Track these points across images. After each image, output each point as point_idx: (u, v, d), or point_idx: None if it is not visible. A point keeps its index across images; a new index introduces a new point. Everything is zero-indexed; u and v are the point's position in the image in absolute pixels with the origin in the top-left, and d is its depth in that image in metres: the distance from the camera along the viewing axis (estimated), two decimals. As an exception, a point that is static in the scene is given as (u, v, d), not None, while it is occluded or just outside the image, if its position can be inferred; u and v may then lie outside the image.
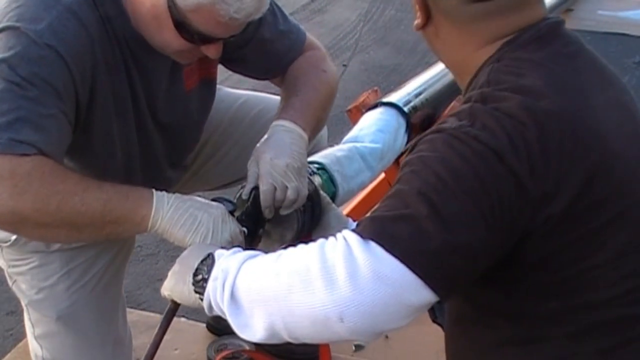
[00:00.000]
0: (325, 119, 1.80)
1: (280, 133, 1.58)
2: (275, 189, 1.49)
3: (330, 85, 1.78)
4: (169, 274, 1.36)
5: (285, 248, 1.21)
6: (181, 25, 1.46)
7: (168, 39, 1.50)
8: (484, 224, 1.09)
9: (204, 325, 2.45)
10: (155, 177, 1.75)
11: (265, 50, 1.76)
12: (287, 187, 1.49)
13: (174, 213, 1.44)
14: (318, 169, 1.66)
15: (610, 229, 1.16)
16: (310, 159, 1.69)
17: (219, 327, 2.36)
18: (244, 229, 1.49)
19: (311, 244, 1.16)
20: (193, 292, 1.28)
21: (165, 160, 1.79)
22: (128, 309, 2.03)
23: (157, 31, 1.51)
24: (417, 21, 1.28)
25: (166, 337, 1.47)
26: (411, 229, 1.08)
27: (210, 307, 1.24)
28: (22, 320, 1.96)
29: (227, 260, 1.24)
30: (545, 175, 1.11)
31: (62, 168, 1.45)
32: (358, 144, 1.82)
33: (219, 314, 1.23)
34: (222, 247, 1.38)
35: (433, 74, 2.26)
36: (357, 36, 4.52)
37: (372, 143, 1.84)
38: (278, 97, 1.79)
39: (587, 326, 1.19)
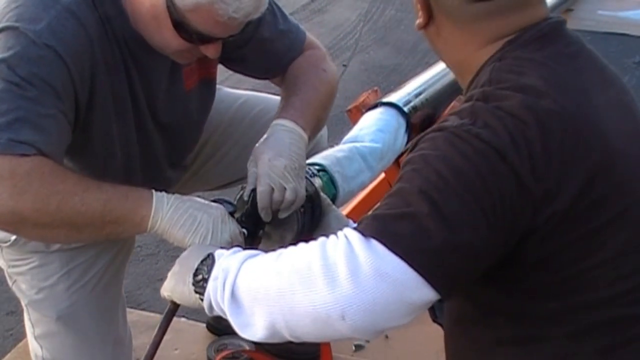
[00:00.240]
0: (326, 118, 1.80)
1: (280, 133, 1.58)
2: (272, 190, 1.49)
3: (331, 84, 1.77)
4: (169, 274, 1.36)
5: (285, 248, 1.21)
6: (180, 25, 1.46)
7: (167, 38, 1.50)
8: (485, 222, 1.09)
9: (204, 325, 2.45)
10: (155, 177, 1.75)
11: (265, 50, 1.76)
12: (285, 188, 1.49)
13: (173, 213, 1.44)
14: (319, 170, 1.65)
15: (611, 229, 1.16)
16: (311, 160, 1.69)
17: (219, 327, 2.36)
18: (244, 230, 1.48)
19: (312, 243, 1.16)
20: (193, 293, 1.28)
21: (165, 160, 1.79)
22: (128, 309, 2.03)
23: (156, 31, 1.51)
24: (419, 21, 1.28)
25: (166, 337, 1.47)
26: (412, 227, 1.09)
27: (211, 307, 1.24)
28: (22, 320, 1.96)
29: (228, 260, 1.24)
30: (547, 174, 1.11)
31: (61, 168, 1.45)
32: (358, 144, 1.82)
33: (220, 313, 1.23)
34: (222, 248, 1.38)
35: (433, 74, 2.26)
36: (357, 36, 4.52)
37: (372, 142, 1.84)
38: (278, 97, 1.79)
39: (587, 326, 1.19)
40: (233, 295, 1.19)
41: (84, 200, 1.41)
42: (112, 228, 1.44)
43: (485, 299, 1.24)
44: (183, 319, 2.44)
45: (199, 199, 1.49)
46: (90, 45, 1.49)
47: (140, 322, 2.39)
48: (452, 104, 2.17)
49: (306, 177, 1.57)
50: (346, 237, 1.12)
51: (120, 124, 1.62)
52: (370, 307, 1.08)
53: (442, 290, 1.10)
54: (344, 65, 4.11)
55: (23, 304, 1.85)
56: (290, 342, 1.20)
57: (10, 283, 1.85)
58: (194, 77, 1.74)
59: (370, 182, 1.97)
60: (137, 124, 1.66)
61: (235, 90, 2.09)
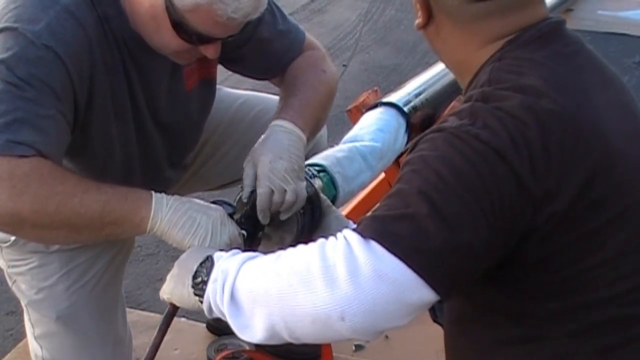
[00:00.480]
0: (325, 119, 1.80)
1: (279, 134, 1.58)
2: (272, 192, 1.49)
3: (330, 85, 1.77)
4: (168, 277, 1.36)
5: (285, 249, 1.21)
6: (179, 25, 1.46)
7: (166, 39, 1.50)
8: (485, 223, 1.09)
9: (204, 325, 2.45)
10: (154, 177, 1.75)
11: (264, 50, 1.75)
12: (285, 190, 1.49)
13: (172, 215, 1.44)
14: (319, 171, 1.65)
15: (611, 229, 1.16)
16: (311, 160, 1.69)
17: (219, 327, 2.36)
18: (243, 231, 1.48)
19: (311, 244, 1.16)
20: (193, 295, 1.28)
21: (164, 161, 1.79)
22: (128, 309, 2.03)
23: (156, 31, 1.50)
24: (418, 20, 1.27)
25: (166, 337, 1.47)
26: (412, 228, 1.09)
27: (210, 309, 1.24)
28: (22, 321, 1.96)
29: (227, 262, 1.24)
30: (547, 175, 1.11)
31: (61, 169, 1.45)
32: (358, 144, 1.82)
33: (219, 315, 1.23)
34: (221, 250, 1.38)
35: (433, 74, 2.26)
36: (357, 36, 4.52)
37: (372, 142, 1.84)
38: (278, 97, 1.79)
39: (587, 326, 1.19)
40: (232, 297, 1.19)
41: (83, 202, 1.41)
42: (111, 229, 1.44)
43: (485, 299, 1.24)
44: (183, 319, 2.44)
45: (198, 201, 1.49)
46: (89, 45, 1.49)
47: (140, 322, 2.39)
48: (452, 104, 2.17)
49: (306, 178, 1.57)
50: (345, 238, 1.12)
51: (120, 124, 1.62)
52: (369, 308, 1.08)
53: (442, 291, 1.10)
54: (344, 65, 4.11)
55: (23, 304, 1.85)
56: (290, 343, 1.20)
57: (10, 283, 1.84)
58: (194, 77, 1.74)
59: (370, 181, 1.97)
60: (137, 124, 1.65)
61: (235, 90, 2.09)
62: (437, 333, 1.46)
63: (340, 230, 1.16)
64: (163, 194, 1.47)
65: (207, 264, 1.27)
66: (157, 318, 1.46)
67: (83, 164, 1.63)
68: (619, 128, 1.20)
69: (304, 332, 1.15)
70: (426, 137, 1.17)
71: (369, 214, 1.16)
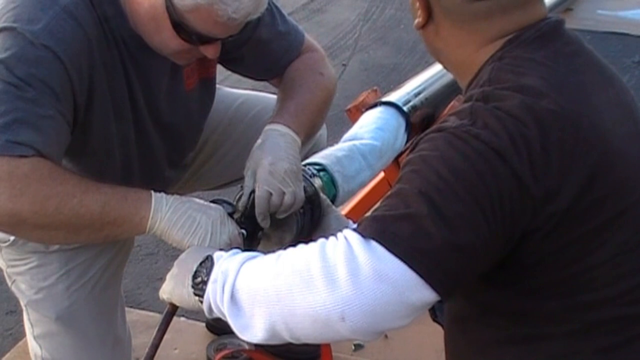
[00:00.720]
0: (321, 122, 1.81)
1: (275, 137, 1.58)
2: (270, 195, 1.49)
3: (327, 88, 1.77)
4: (167, 277, 1.35)
5: (284, 249, 1.21)
6: (179, 25, 1.46)
7: (166, 39, 1.50)
8: (485, 223, 1.09)
9: (204, 324, 2.45)
10: (154, 177, 1.75)
11: (263, 51, 1.75)
12: (284, 192, 1.49)
13: (172, 215, 1.44)
14: (318, 170, 1.65)
15: (611, 228, 1.16)
16: (310, 159, 1.69)
17: (218, 327, 2.37)
18: (243, 231, 1.48)
19: (311, 244, 1.16)
20: (192, 295, 1.28)
21: (164, 160, 1.79)
22: (127, 309, 2.03)
23: (156, 32, 1.50)
24: (418, 20, 1.27)
25: (166, 336, 1.47)
26: (412, 228, 1.09)
27: (210, 309, 1.24)
28: (21, 320, 1.95)
29: (227, 262, 1.24)
30: (547, 174, 1.11)
31: (60, 169, 1.45)
32: (357, 142, 1.81)
33: (219, 316, 1.23)
34: (221, 249, 1.38)
35: (432, 74, 2.26)
36: (357, 36, 4.52)
37: (372, 140, 1.84)
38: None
39: (587, 325, 1.19)
40: (232, 297, 1.19)
41: (83, 202, 1.41)
42: (111, 229, 1.44)
43: (485, 299, 1.24)
44: (182, 319, 2.44)
45: (198, 200, 1.49)
46: (88, 45, 1.49)
47: (140, 321, 2.39)
48: (452, 103, 2.16)
49: (306, 178, 1.57)
50: (346, 238, 1.12)
51: (119, 124, 1.62)
52: (370, 309, 1.08)
53: (442, 292, 1.10)
54: (344, 65, 4.11)
55: (22, 303, 1.85)
56: (291, 343, 1.20)
57: (9, 283, 1.84)
58: (194, 77, 1.74)
59: (370, 180, 1.97)
60: (136, 125, 1.65)
61: (234, 90, 2.09)
62: (436, 333, 1.46)
63: (340, 230, 1.16)
64: (162, 194, 1.47)
65: (207, 264, 1.27)
66: (157, 317, 1.46)
67: (82, 164, 1.63)
68: (619, 128, 1.20)
69: (304, 333, 1.15)
70: (426, 137, 1.17)
71: (369, 214, 1.16)
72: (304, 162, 1.64)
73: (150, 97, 1.65)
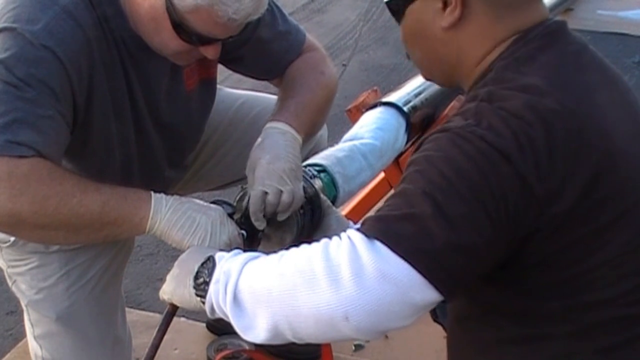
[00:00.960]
0: (322, 122, 1.80)
1: (275, 136, 1.58)
2: (265, 194, 1.48)
3: (329, 87, 1.77)
4: (168, 277, 1.35)
5: (286, 249, 1.21)
6: (179, 26, 1.46)
7: (166, 40, 1.50)
8: (489, 223, 1.09)
9: (204, 324, 2.45)
10: (154, 178, 1.75)
11: (263, 51, 1.75)
12: (281, 191, 1.48)
13: (172, 215, 1.44)
14: (319, 171, 1.64)
15: (613, 228, 1.16)
16: (311, 160, 1.69)
17: (218, 327, 2.37)
18: (243, 231, 1.48)
19: (314, 244, 1.16)
20: (194, 296, 1.27)
21: (164, 161, 1.79)
22: (127, 309, 2.03)
23: (156, 32, 1.50)
24: (451, 17, 1.22)
25: (166, 336, 1.47)
26: (416, 229, 1.09)
27: (213, 310, 1.24)
28: (21, 320, 1.96)
29: (229, 263, 1.24)
30: (551, 175, 1.11)
31: (60, 170, 1.45)
32: (357, 142, 1.81)
33: (222, 316, 1.23)
34: (221, 250, 1.38)
35: (433, 74, 2.26)
36: (357, 36, 4.51)
37: (371, 139, 1.83)
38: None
39: (588, 325, 1.19)
40: (235, 298, 1.19)
41: (82, 202, 1.41)
42: (111, 229, 1.44)
43: (487, 298, 1.24)
44: (183, 319, 2.45)
45: (197, 201, 1.49)
46: (88, 46, 1.49)
47: (140, 322, 2.39)
48: (452, 103, 2.17)
49: (306, 179, 1.57)
50: (349, 238, 1.12)
51: (119, 124, 1.61)
52: (373, 308, 1.09)
53: (445, 292, 1.10)
54: (344, 65, 4.10)
55: (23, 304, 1.85)
56: (292, 342, 1.20)
57: (10, 283, 1.84)
58: (194, 78, 1.73)
59: (371, 180, 1.97)
60: (136, 125, 1.65)
61: (235, 90, 2.09)
62: (437, 333, 1.46)
63: (340, 231, 1.16)
64: (162, 194, 1.46)
65: (209, 264, 1.27)
66: (157, 318, 1.46)
67: (82, 165, 1.63)
68: (623, 128, 1.20)
69: (308, 332, 1.15)
70: (431, 137, 1.16)
71: (373, 214, 1.16)
72: (304, 163, 1.64)
73: (150, 98, 1.65)
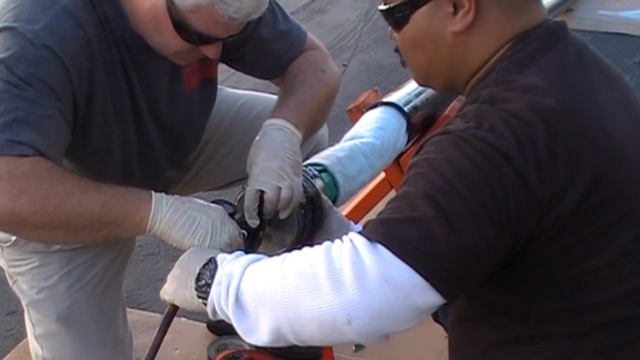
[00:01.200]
0: (323, 119, 1.80)
1: (272, 132, 1.57)
2: (258, 193, 1.47)
3: (329, 85, 1.76)
4: (169, 278, 1.35)
5: (288, 251, 1.21)
6: (180, 25, 1.46)
7: (167, 39, 1.50)
8: (491, 226, 1.09)
9: (205, 325, 2.45)
10: (154, 177, 1.75)
11: (264, 50, 1.75)
12: (279, 188, 1.48)
13: (172, 215, 1.44)
14: (320, 171, 1.64)
15: (616, 229, 1.16)
16: (311, 160, 1.68)
17: (219, 327, 2.37)
18: (244, 231, 1.48)
19: (317, 247, 1.16)
20: (196, 297, 1.27)
21: (165, 161, 1.79)
22: (128, 309, 2.03)
23: (156, 32, 1.50)
24: (470, 14, 1.20)
25: (167, 337, 1.47)
26: (418, 232, 1.09)
27: (214, 312, 1.24)
28: (22, 320, 1.96)
29: (231, 265, 1.24)
30: (553, 176, 1.10)
31: (60, 169, 1.45)
32: (357, 141, 1.81)
33: (224, 318, 1.23)
34: (222, 250, 1.38)
35: (434, 74, 2.26)
36: (358, 36, 4.50)
37: (372, 138, 1.83)
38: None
39: (590, 326, 1.19)
40: (237, 300, 1.19)
41: (83, 202, 1.41)
42: (111, 229, 1.44)
43: (489, 299, 1.24)
44: (183, 319, 2.45)
45: (198, 200, 1.49)
46: (88, 45, 1.49)
47: (141, 322, 2.39)
48: (453, 103, 2.17)
49: (307, 179, 1.56)
50: (352, 241, 1.12)
51: (120, 124, 1.61)
52: (376, 312, 1.09)
53: (448, 295, 1.10)
54: (344, 65, 4.10)
55: (23, 304, 1.85)
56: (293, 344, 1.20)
57: (10, 283, 1.85)
58: (194, 78, 1.73)
59: (371, 180, 1.97)
60: (137, 125, 1.65)
61: (236, 90, 2.08)
62: (437, 333, 1.46)
63: (341, 231, 1.16)
64: (163, 194, 1.46)
65: (211, 266, 1.26)
66: (158, 318, 1.46)
67: (83, 164, 1.63)
68: (624, 128, 1.20)
69: (310, 335, 1.15)
70: (432, 139, 1.16)
71: (375, 217, 1.15)
72: (305, 163, 1.63)
73: (150, 97, 1.65)
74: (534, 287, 1.19)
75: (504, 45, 1.22)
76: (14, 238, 1.73)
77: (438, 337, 1.43)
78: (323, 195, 1.56)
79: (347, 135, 1.87)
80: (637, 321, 1.21)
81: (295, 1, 5.56)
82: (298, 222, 1.51)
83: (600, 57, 1.27)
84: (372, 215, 1.86)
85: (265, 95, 2.06)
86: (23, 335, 2.17)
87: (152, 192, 1.46)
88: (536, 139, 1.10)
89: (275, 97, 1.82)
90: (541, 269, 1.17)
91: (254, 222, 1.49)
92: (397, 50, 1.37)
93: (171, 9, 1.44)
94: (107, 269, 1.84)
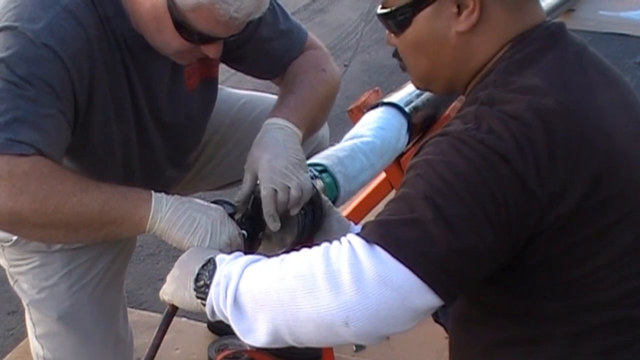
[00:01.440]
0: (323, 119, 1.80)
1: (273, 131, 1.57)
2: (276, 192, 1.48)
3: (330, 84, 1.76)
4: (168, 278, 1.35)
5: (287, 252, 1.21)
6: (181, 25, 1.46)
7: (168, 39, 1.50)
8: (490, 227, 1.09)
9: (205, 325, 2.45)
10: (155, 177, 1.75)
11: (265, 50, 1.75)
12: (289, 187, 1.48)
13: (172, 214, 1.44)
14: (320, 171, 1.64)
15: (616, 230, 1.16)
16: (312, 160, 1.68)
17: (220, 327, 2.37)
18: (244, 231, 1.48)
19: (315, 248, 1.16)
20: (195, 298, 1.27)
21: (165, 160, 1.79)
22: (129, 309, 2.03)
23: (157, 31, 1.50)
24: (474, 14, 1.20)
25: (167, 337, 1.47)
26: (416, 233, 1.08)
27: (213, 312, 1.24)
28: (23, 320, 1.96)
29: (229, 265, 1.24)
30: (552, 177, 1.10)
31: (60, 168, 1.45)
32: (357, 141, 1.81)
33: (222, 319, 1.23)
34: (221, 250, 1.38)
35: (434, 74, 2.25)
36: (359, 36, 4.50)
37: (372, 137, 1.83)
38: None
39: (590, 327, 1.19)
40: (235, 301, 1.19)
41: (83, 201, 1.41)
42: (111, 228, 1.44)
43: (489, 300, 1.24)
44: (184, 319, 2.45)
45: (198, 200, 1.49)
46: (89, 45, 1.49)
47: (141, 322, 2.39)
48: (454, 104, 2.17)
49: (308, 179, 1.56)
50: (350, 243, 1.12)
51: (120, 124, 1.62)
52: (374, 314, 1.09)
53: (446, 296, 1.10)
54: (345, 65, 4.10)
55: (24, 303, 1.85)
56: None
57: (11, 283, 1.85)
58: (195, 77, 1.73)
59: (372, 179, 1.97)
60: (137, 124, 1.65)
61: (237, 90, 2.08)
62: (438, 333, 1.46)
63: (341, 232, 1.16)
64: (163, 194, 1.46)
65: (210, 266, 1.26)
66: (158, 318, 1.46)
67: (83, 164, 1.63)
68: (624, 128, 1.20)
69: (308, 337, 1.15)
70: (431, 141, 1.16)
71: (373, 218, 1.15)
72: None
73: (151, 97, 1.65)
74: (534, 288, 1.19)
75: (505, 45, 1.22)
76: (15, 238, 1.73)
77: (438, 338, 1.43)
78: (323, 196, 1.56)
79: (348, 135, 1.87)
80: (637, 321, 1.21)
81: (296, 1, 5.56)
82: (298, 223, 1.51)
83: (599, 57, 1.27)
84: (372, 216, 1.86)
85: (266, 96, 2.06)
86: (24, 335, 2.17)
87: (152, 192, 1.46)
88: (535, 140, 1.10)
89: (276, 97, 1.82)
90: (541, 270, 1.17)
91: (276, 225, 1.48)
92: (395, 54, 1.36)
93: (172, 8, 1.45)
94: (108, 269, 1.84)
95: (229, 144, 1.99)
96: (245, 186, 1.52)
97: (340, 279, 1.09)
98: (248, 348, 2.03)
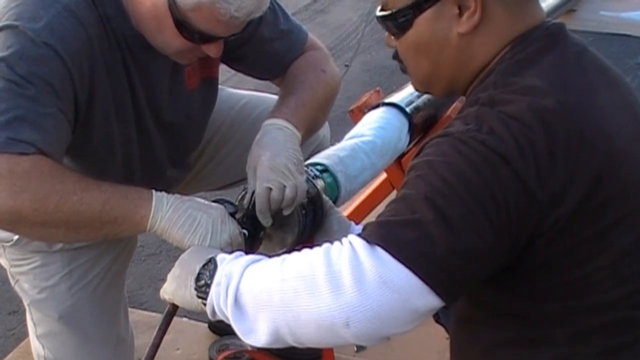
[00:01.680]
0: (322, 119, 1.80)
1: (273, 132, 1.58)
2: (269, 191, 1.48)
3: (330, 85, 1.77)
4: (169, 277, 1.35)
5: (287, 252, 1.21)
6: (182, 24, 1.46)
7: (169, 38, 1.50)
8: (491, 228, 1.09)
9: (206, 325, 2.45)
10: (155, 177, 1.75)
11: (265, 50, 1.75)
12: (284, 186, 1.48)
13: (173, 214, 1.44)
14: (321, 171, 1.64)
15: (616, 231, 1.16)
16: (313, 160, 1.69)
17: (221, 327, 2.36)
18: (244, 231, 1.48)
19: (316, 249, 1.16)
20: (195, 297, 1.27)
21: (166, 160, 1.79)
22: (130, 309, 2.03)
23: (158, 31, 1.50)
24: (476, 16, 1.20)
25: (168, 337, 1.47)
26: (417, 234, 1.08)
27: (214, 312, 1.24)
28: (24, 320, 1.96)
29: (230, 265, 1.24)
30: (552, 177, 1.10)
31: (61, 167, 1.45)
32: (358, 140, 1.81)
33: (223, 319, 1.23)
34: (222, 249, 1.38)
35: (435, 74, 2.25)
36: (359, 36, 4.51)
37: (372, 137, 1.83)
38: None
39: (590, 328, 1.19)
40: (236, 301, 1.19)
41: (83, 200, 1.41)
42: (111, 228, 1.44)
43: (489, 300, 1.24)
44: (184, 319, 2.45)
45: (199, 200, 1.49)
46: (89, 44, 1.49)
47: (142, 322, 2.39)
48: (455, 104, 2.17)
49: (308, 179, 1.56)
50: (351, 243, 1.12)
51: (121, 123, 1.62)
52: (374, 314, 1.09)
53: (446, 297, 1.10)
54: (346, 66, 4.10)
55: (25, 303, 1.85)
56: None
57: (12, 283, 1.85)
58: (195, 77, 1.74)
59: (372, 179, 1.97)
60: (138, 124, 1.66)
61: (237, 90, 2.09)
62: (438, 334, 1.46)
63: (342, 232, 1.16)
64: (163, 193, 1.46)
65: (210, 266, 1.26)
66: (159, 318, 1.46)
67: (84, 163, 1.63)
68: (624, 129, 1.20)
69: (309, 337, 1.15)
70: (432, 142, 1.16)
71: (374, 219, 1.15)
72: (306, 163, 1.64)
73: (151, 97, 1.65)
74: (534, 289, 1.19)
75: (506, 46, 1.22)
76: (15, 237, 1.73)
77: (439, 338, 1.43)
78: (324, 196, 1.57)
79: (348, 135, 1.87)
80: (638, 322, 1.21)
81: (297, 1, 5.56)
82: (299, 223, 1.51)
83: (600, 58, 1.27)
84: (373, 216, 1.86)
85: (266, 96, 2.06)
86: (25, 334, 2.17)
87: (153, 191, 1.46)
88: (535, 140, 1.10)
89: (276, 97, 1.82)
90: (542, 271, 1.17)
91: (267, 221, 1.49)
92: (395, 56, 1.35)
93: (172, 7, 1.45)
94: (109, 269, 1.84)
95: (229, 144, 2.00)
96: (249, 186, 1.52)
97: (341, 280, 1.09)
98: (249, 348, 2.02)
